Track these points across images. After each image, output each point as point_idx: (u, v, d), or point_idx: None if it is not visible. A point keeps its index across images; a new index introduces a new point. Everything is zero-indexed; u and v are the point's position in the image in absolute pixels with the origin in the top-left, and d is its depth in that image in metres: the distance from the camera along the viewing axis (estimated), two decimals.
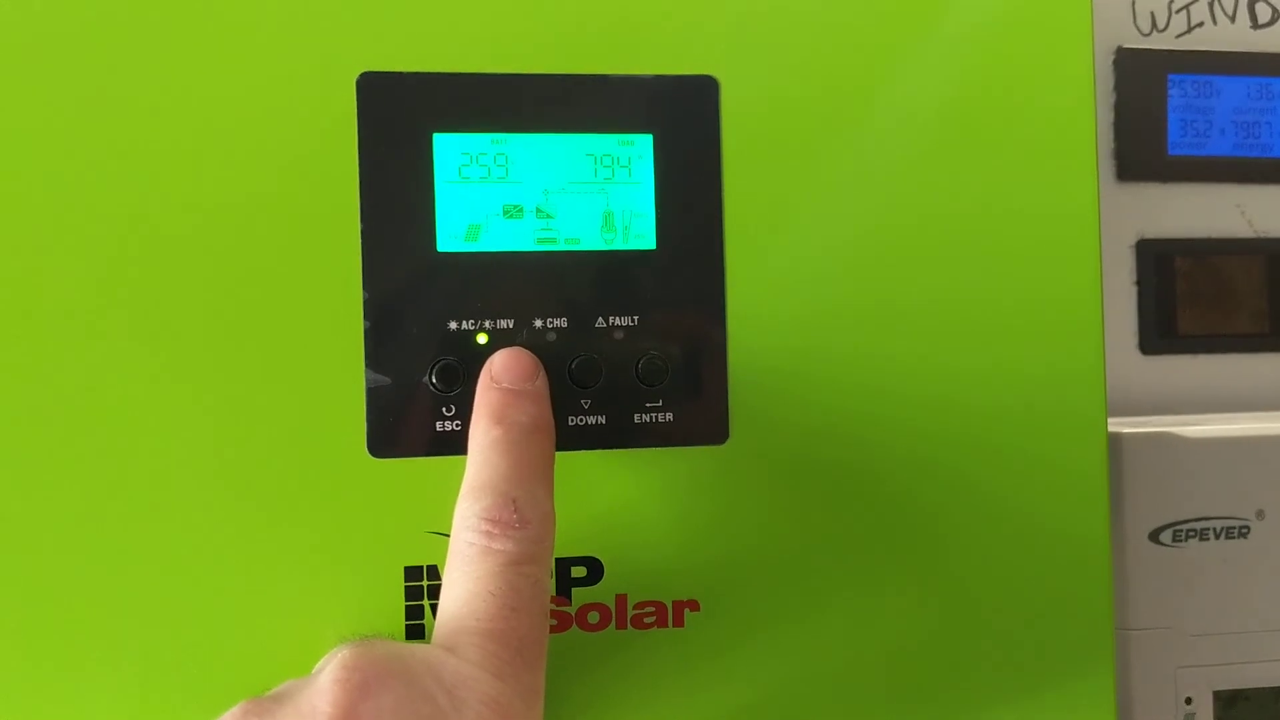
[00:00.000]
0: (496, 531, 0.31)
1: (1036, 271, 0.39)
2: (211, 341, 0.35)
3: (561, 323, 0.36)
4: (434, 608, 0.35)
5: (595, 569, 0.36)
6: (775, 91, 0.38)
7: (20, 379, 0.34)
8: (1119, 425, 0.48)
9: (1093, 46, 0.39)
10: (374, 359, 0.35)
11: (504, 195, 0.36)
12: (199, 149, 0.35)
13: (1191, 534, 0.46)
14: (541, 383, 0.35)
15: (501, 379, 0.34)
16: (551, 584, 0.36)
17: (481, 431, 0.33)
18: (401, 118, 0.36)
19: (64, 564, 0.34)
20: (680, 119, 0.37)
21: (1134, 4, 0.58)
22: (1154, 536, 0.46)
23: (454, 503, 0.35)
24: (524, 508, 0.31)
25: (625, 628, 0.36)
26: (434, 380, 0.36)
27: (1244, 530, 0.46)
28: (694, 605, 0.37)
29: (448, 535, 0.35)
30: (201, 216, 0.35)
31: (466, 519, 0.32)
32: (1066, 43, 0.39)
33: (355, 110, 0.35)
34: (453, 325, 0.36)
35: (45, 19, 0.34)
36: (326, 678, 0.28)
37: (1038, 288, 0.39)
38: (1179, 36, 0.58)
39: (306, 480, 0.35)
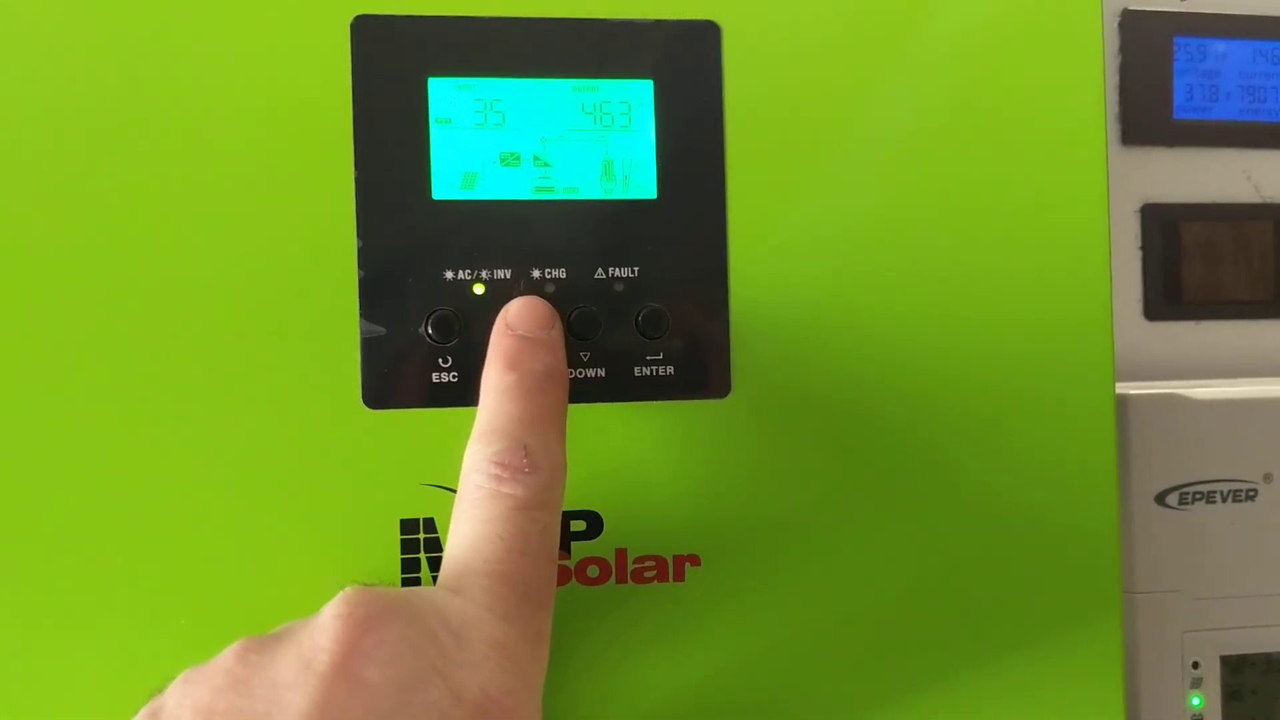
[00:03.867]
0: (506, 476, 0.30)
1: (1044, 236, 0.38)
2: (205, 293, 0.34)
3: (560, 273, 0.36)
4: (430, 561, 0.35)
5: (595, 523, 0.36)
6: (779, 38, 0.37)
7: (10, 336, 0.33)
8: (1125, 389, 0.47)
9: (1101, 10, 0.39)
10: (369, 309, 0.35)
11: (501, 142, 0.36)
12: (190, 96, 0.34)
13: (1198, 497, 0.45)
14: (557, 332, 0.34)
15: (516, 326, 0.34)
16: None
17: (495, 377, 0.33)
18: (396, 62, 0.35)
19: (53, 523, 0.33)
20: (681, 65, 0.36)
21: None
22: (1160, 499, 0.45)
23: (450, 455, 0.34)
24: (535, 454, 0.31)
25: (625, 582, 0.36)
26: (430, 331, 0.35)
27: (1251, 493, 0.46)
28: (695, 560, 0.36)
29: (444, 488, 0.35)
30: (193, 165, 0.34)
31: (477, 462, 0.31)
32: (1075, 6, 0.38)
33: (349, 54, 0.35)
34: (449, 275, 0.35)
35: None
36: (328, 613, 0.27)
37: (1045, 252, 0.38)
38: None
39: (302, 433, 0.34)
